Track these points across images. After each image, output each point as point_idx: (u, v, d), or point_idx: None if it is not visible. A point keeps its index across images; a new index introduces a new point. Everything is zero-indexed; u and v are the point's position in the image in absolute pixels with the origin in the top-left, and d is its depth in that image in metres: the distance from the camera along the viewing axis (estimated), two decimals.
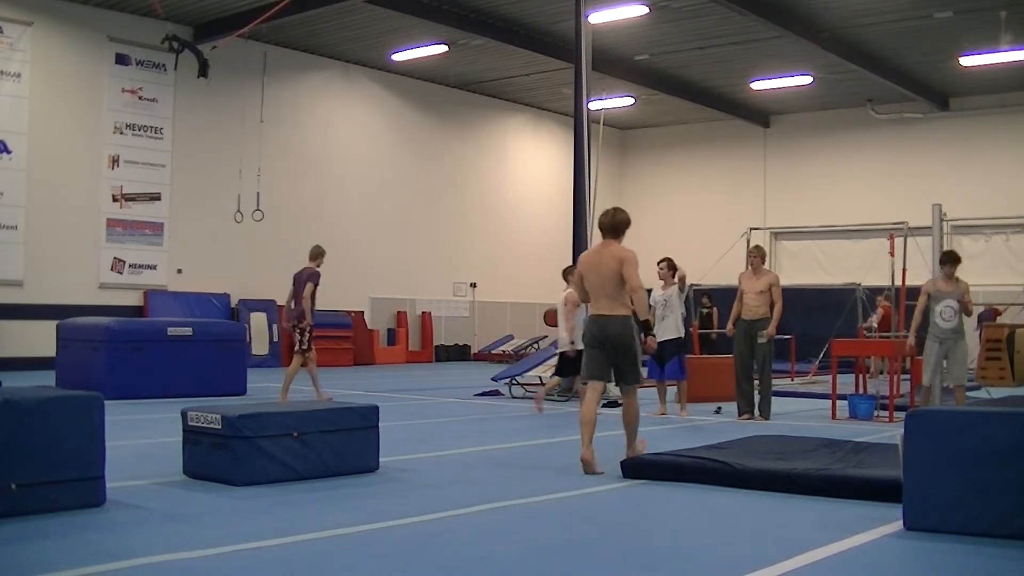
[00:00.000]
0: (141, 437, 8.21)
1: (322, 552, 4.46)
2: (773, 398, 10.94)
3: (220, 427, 5.99)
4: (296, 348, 11.46)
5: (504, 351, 21.86)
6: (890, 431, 9.08)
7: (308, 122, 20.94)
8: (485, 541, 4.76)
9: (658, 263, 11.43)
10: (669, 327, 10.94)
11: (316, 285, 11.51)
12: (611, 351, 6.99)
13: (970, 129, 22.99)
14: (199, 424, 6.14)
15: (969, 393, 14.32)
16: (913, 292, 15.03)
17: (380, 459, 6.65)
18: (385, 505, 5.53)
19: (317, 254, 11.82)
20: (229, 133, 19.16)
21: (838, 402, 11.02)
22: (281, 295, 19.96)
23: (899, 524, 5.04)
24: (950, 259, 9.97)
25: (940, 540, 4.78)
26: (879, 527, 5.07)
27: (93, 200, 17.60)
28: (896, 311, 15.35)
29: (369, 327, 21.64)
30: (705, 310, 20.47)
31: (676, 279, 11.12)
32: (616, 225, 7.13)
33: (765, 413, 10.59)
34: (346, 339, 20.39)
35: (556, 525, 5.16)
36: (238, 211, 17.63)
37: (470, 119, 24.28)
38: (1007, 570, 4.41)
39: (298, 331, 11.42)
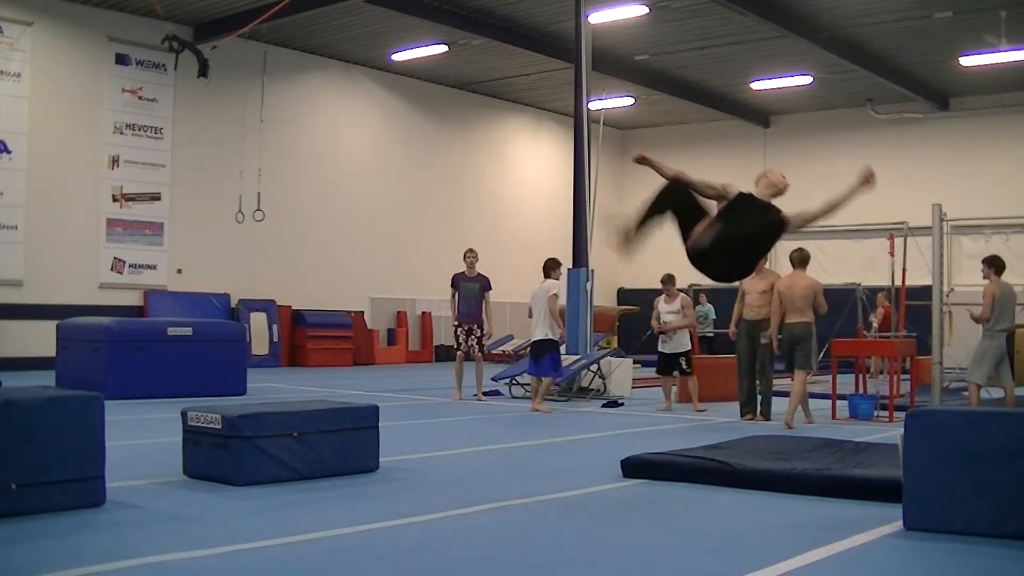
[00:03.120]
0: (141, 437, 8.21)
1: (322, 552, 4.47)
2: (773, 398, 10.95)
3: (220, 427, 5.99)
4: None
5: (504, 351, 21.83)
6: (890, 431, 9.08)
7: (308, 122, 20.94)
8: (485, 541, 4.76)
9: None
10: (541, 327, 11.60)
11: (452, 287, 12.56)
12: (793, 345, 10.19)
13: (970, 129, 22.98)
14: (199, 424, 6.14)
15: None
16: (913, 292, 15.07)
17: (380, 459, 6.65)
18: (385, 505, 5.53)
19: (463, 256, 12.78)
20: (229, 133, 19.16)
21: (838, 402, 11.02)
22: (280, 295, 20.07)
23: (899, 524, 5.04)
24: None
25: (940, 540, 4.78)
26: (879, 527, 5.07)
27: (93, 200, 17.60)
28: (896, 311, 15.34)
29: (369, 327, 21.63)
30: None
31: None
32: (804, 259, 10.48)
33: (766, 413, 10.60)
34: (346, 339, 20.38)
35: (556, 525, 5.16)
36: (239, 211, 17.64)
37: (470, 119, 24.28)
38: (1007, 570, 4.41)
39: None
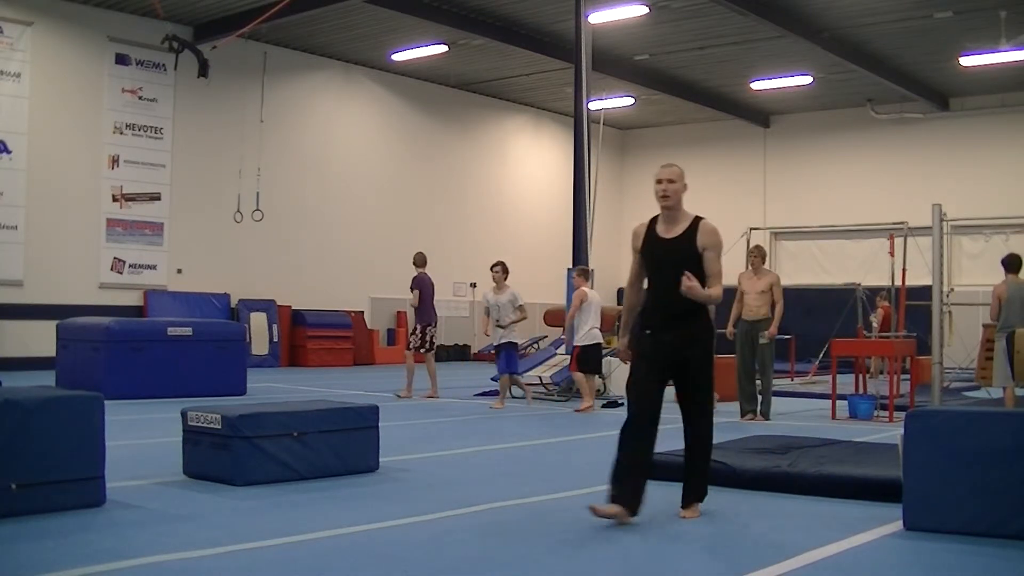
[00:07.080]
0: (141, 437, 8.21)
1: (322, 552, 4.47)
2: (773, 398, 10.96)
3: (220, 427, 5.99)
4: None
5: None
6: (890, 431, 9.08)
7: (308, 122, 20.94)
8: (485, 541, 4.76)
9: (492, 267, 12.37)
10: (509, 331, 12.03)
11: (412, 288, 13.04)
12: None
13: (970, 129, 22.98)
14: (199, 424, 6.14)
15: (969, 393, 14.37)
16: (913, 292, 15.07)
17: (380, 459, 6.65)
18: (385, 505, 5.54)
19: (420, 261, 13.32)
20: (229, 133, 19.16)
21: (838, 402, 11.02)
22: (280, 295, 20.07)
23: (899, 524, 5.04)
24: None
25: (940, 540, 4.78)
26: (879, 527, 5.07)
27: (93, 200, 17.60)
28: (896, 311, 15.34)
29: (369, 327, 21.63)
30: None
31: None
32: None
33: (766, 413, 10.60)
34: (346, 339, 20.39)
35: (556, 525, 5.16)
36: (238, 211, 17.64)
37: (470, 119, 24.28)
38: (1007, 570, 4.41)
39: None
